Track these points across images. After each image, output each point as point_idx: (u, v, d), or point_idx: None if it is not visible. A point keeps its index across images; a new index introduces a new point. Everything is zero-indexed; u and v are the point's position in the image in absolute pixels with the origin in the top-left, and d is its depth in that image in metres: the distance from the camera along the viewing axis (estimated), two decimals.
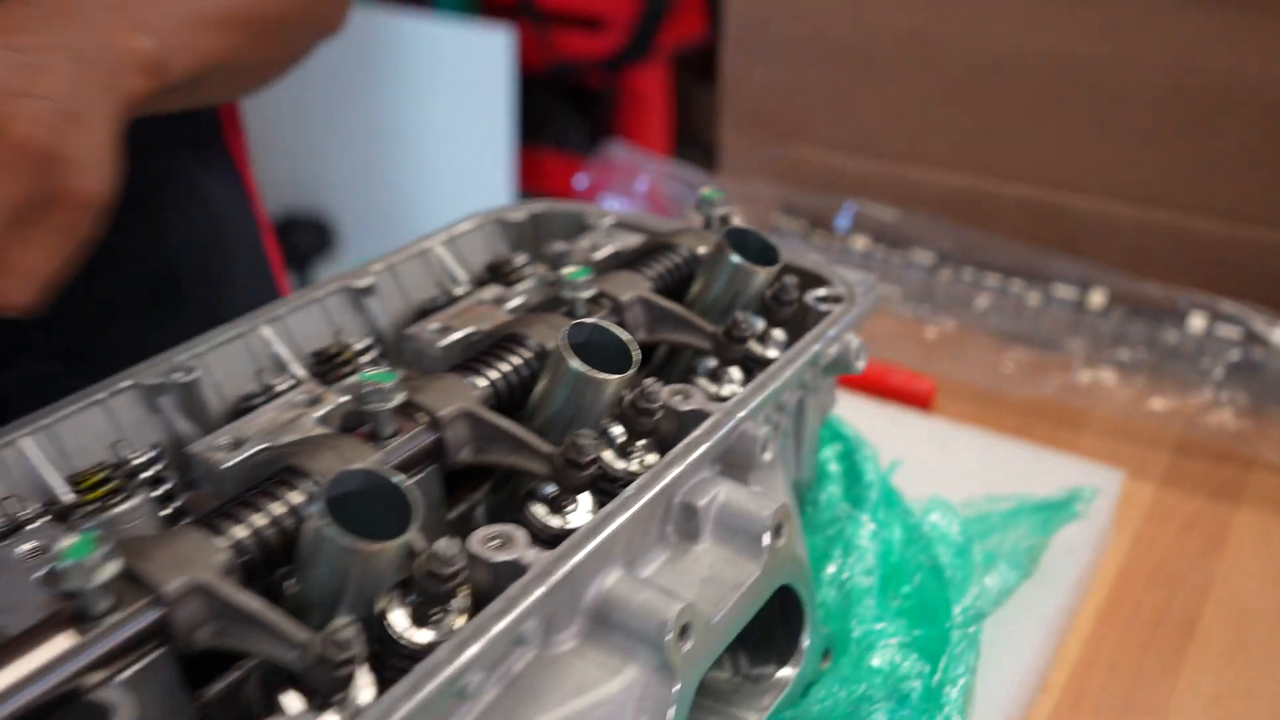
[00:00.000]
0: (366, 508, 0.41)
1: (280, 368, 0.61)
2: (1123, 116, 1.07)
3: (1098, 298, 1.05)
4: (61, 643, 0.38)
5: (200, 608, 0.40)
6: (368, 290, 0.66)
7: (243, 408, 0.59)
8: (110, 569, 0.38)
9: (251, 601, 0.40)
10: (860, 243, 1.16)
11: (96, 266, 0.65)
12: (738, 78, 1.24)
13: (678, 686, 0.47)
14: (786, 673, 0.57)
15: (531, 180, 3.22)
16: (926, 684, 0.56)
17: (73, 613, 0.39)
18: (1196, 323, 1.01)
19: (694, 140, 3.44)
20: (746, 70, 1.23)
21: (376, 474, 0.41)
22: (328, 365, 0.61)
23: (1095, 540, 0.76)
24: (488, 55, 3.01)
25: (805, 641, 0.56)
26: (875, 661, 0.59)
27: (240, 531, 0.43)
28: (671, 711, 0.47)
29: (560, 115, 3.25)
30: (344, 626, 0.39)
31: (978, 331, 1.06)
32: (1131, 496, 0.87)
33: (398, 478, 0.41)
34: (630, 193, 1.24)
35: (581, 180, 1.29)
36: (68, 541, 0.38)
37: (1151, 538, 0.84)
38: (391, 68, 3.00)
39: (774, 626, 0.59)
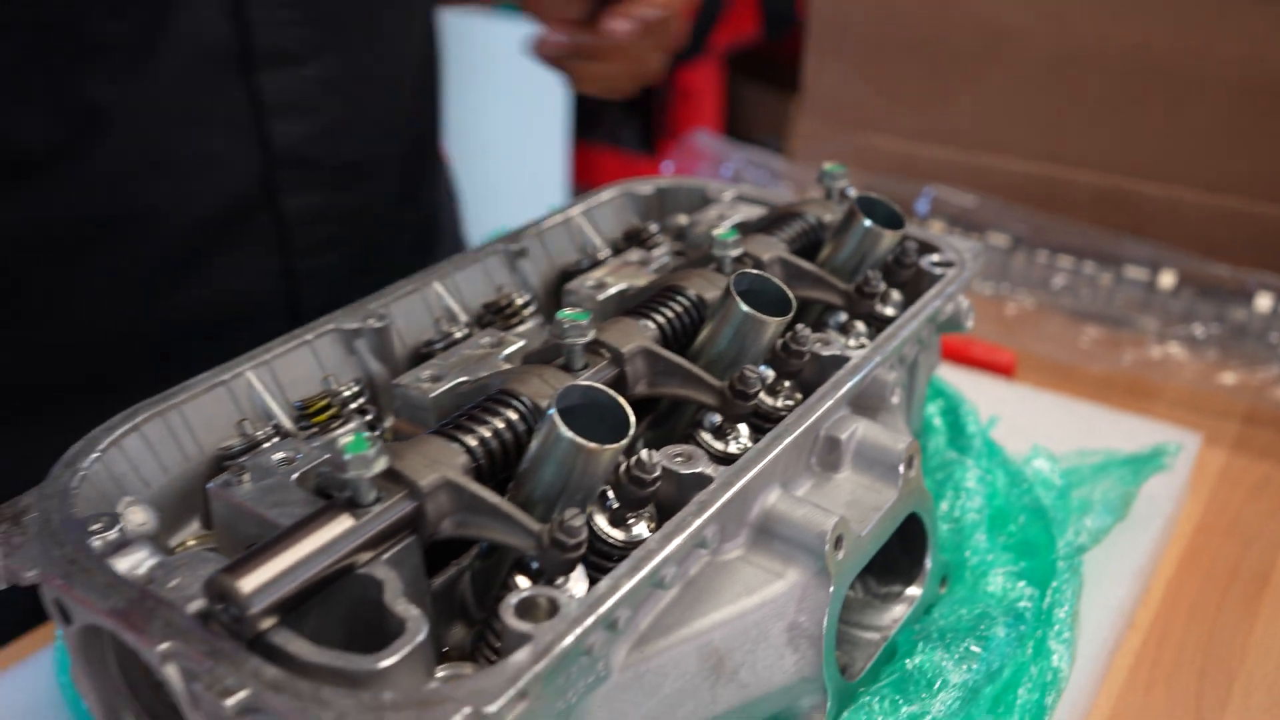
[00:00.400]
0: (586, 420, 0.47)
1: (452, 318, 0.68)
2: (1193, 107, 1.12)
3: (1167, 278, 1.11)
4: (342, 524, 0.45)
5: (448, 500, 0.47)
6: (521, 253, 0.73)
7: (423, 352, 0.66)
8: (381, 463, 0.45)
9: (492, 495, 0.47)
10: (937, 227, 1.22)
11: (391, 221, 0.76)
12: (819, 69, 1.30)
13: (833, 589, 0.54)
14: (913, 591, 0.63)
15: (586, 176, 3.30)
16: (1037, 606, 0.63)
17: (346, 502, 0.46)
18: (1263, 302, 1.06)
19: (743, 138, 3.50)
20: (827, 63, 1.29)
21: (599, 390, 0.48)
22: (496, 315, 0.68)
23: (1177, 494, 0.82)
24: None
25: (929, 564, 0.63)
26: (990, 587, 0.65)
27: (472, 441, 0.50)
28: (827, 611, 0.54)
29: (614, 112, 3.32)
30: (574, 517, 0.45)
31: (1053, 310, 1.12)
32: (1204, 461, 0.93)
33: (614, 395, 0.48)
34: (715, 178, 1.31)
35: (667, 167, 1.36)
36: (346, 439, 0.45)
37: (1225, 498, 0.89)
38: (453, 66, 3.07)
39: (895, 556, 0.65)
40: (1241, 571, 0.81)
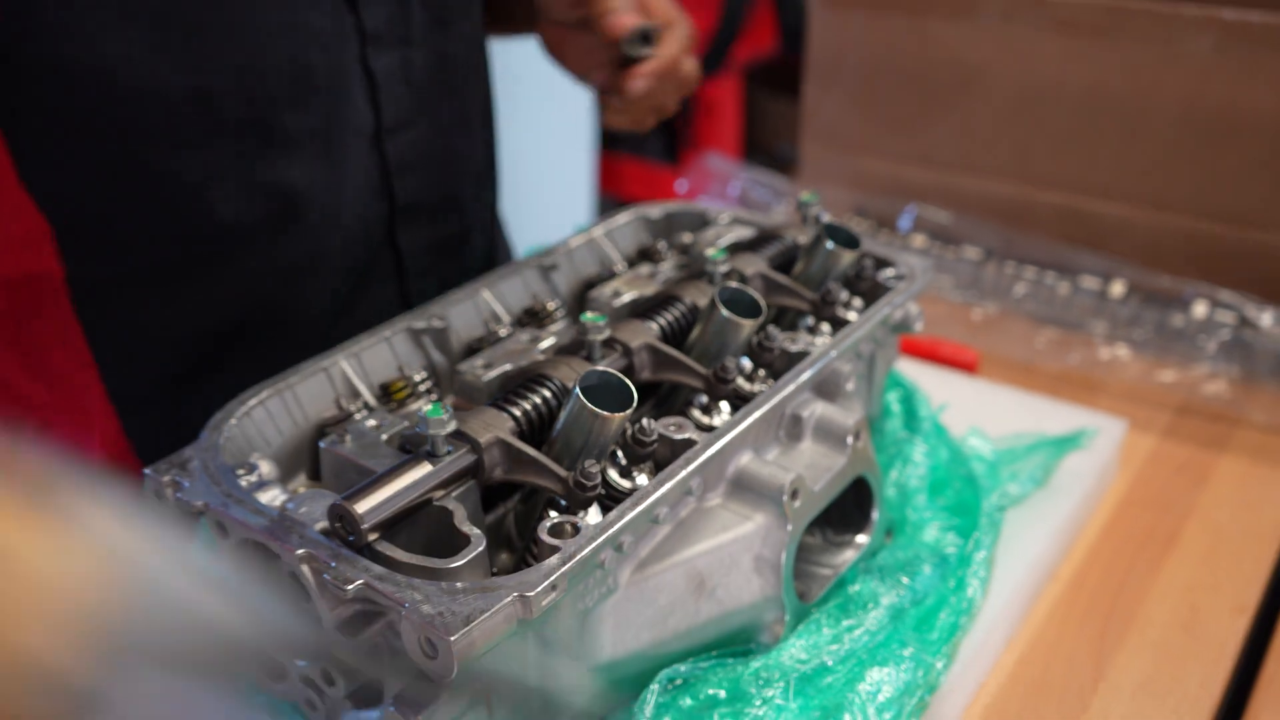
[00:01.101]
0: (602, 394, 0.64)
1: (497, 319, 0.85)
2: (1141, 137, 1.27)
3: (1118, 287, 1.26)
4: (424, 469, 0.62)
5: (499, 454, 0.64)
6: (552, 267, 0.90)
7: (474, 346, 0.83)
8: (452, 425, 0.62)
9: (532, 450, 0.64)
10: (919, 240, 1.38)
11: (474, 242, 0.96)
12: (818, 99, 1.46)
13: (790, 528, 0.70)
14: (861, 539, 0.80)
15: (612, 184, 3.46)
16: (961, 551, 0.79)
17: (426, 453, 0.63)
18: (1199, 309, 1.21)
19: (762, 147, 3.66)
20: (825, 94, 1.45)
21: (612, 373, 0.64)
22: (532, 319, 0.85)
23: (1100, 471, 0.97)
24: None
25: (875, 516, 0.79)
26: (925, 538, 0.81)
27: (517, 411, 0.67)
28: (785, 546, 0.70)
29: None
30: (592, 465, 0.62)
31: (1016, 314, 1.28)
32: (1136, 445, 1.08)
33: (623, 377, 0.64)
34: (724, 196, 1.47)
35: (681, 185, 1.52)
36: (427, 407, 0.62)
37: (1149, 476, 1.05)
38: None
39: (850, 512, 0.82)
40: (1155, 535, 0.97)
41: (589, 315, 0.72)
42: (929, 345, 1.17)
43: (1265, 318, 1.18)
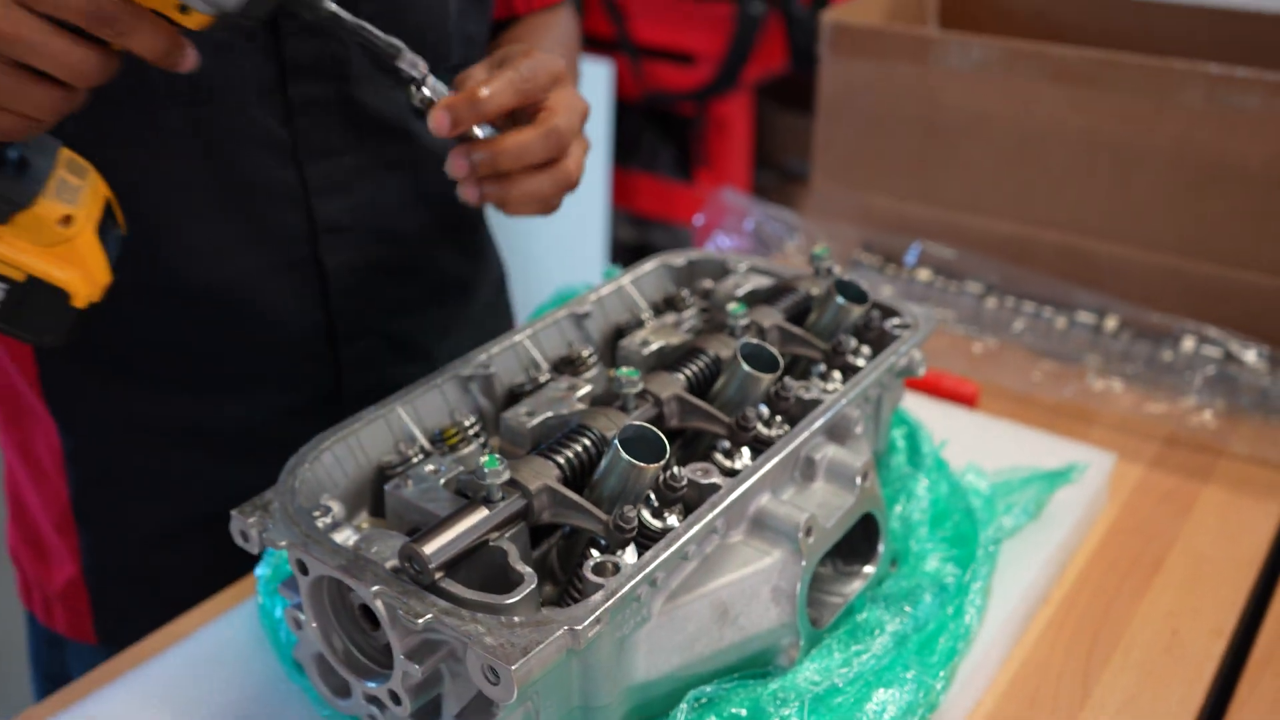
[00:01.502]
0: (638, 446, 0.72)
1: (537, 366, 0.93)
2: (1136, 180, 1.35)
3: (1111, 323, 1.34)
4: (481, 514, 0.70)
5: (547, 499, 0.72)
6: (585, 315, 0.98)
7: (517, 393, 0.91)
8: (506, 474, 0.70)
9: (576, 496, 0.72)
10: (924, 274, 1.45)
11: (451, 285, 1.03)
12: (828, 138, 1.54)
13: (804, 563, 0.78)
14: (868, 569, 0.87)
15: (625, 200, 3.55)
16: (959, 580, 0.87)
17: (482, 499, 0.71)
18: (1187, 344, 1.29)
19: (772, 162, 3.74)
20: (835, 133, 1.53)
21: (647, 428, 0.72)
22: (569, 367, 0.93)
23: (1089, 501, 1.05)
24: (589, 85, 3.31)
25: (881, 549, 0.87)
26: (926, 567, 0.89)
27: (561, 459, 0.75)
28: (800, 579, 0.78)
29: (651, 140, 3.56)
30: (629, 510, 0.70)
31: (1015, 347, 1.36)
32: (1125, 475, 1.16)
33: (657, 431, 0.72)
34: (740, 231, 1.55)
35: (698, 219, 1.60)
36: (484, 458, 0.70)
37: (1136, 505, 1.13)
38: None
39: (858, 543, 0.89)
40: (1140, 561, 1.05)
41: (623, 370, 0.80)
42: (932, 379, 1.25)
43: (1249, 354, 1.25)
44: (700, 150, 3.46)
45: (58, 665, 1.11)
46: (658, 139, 3.55)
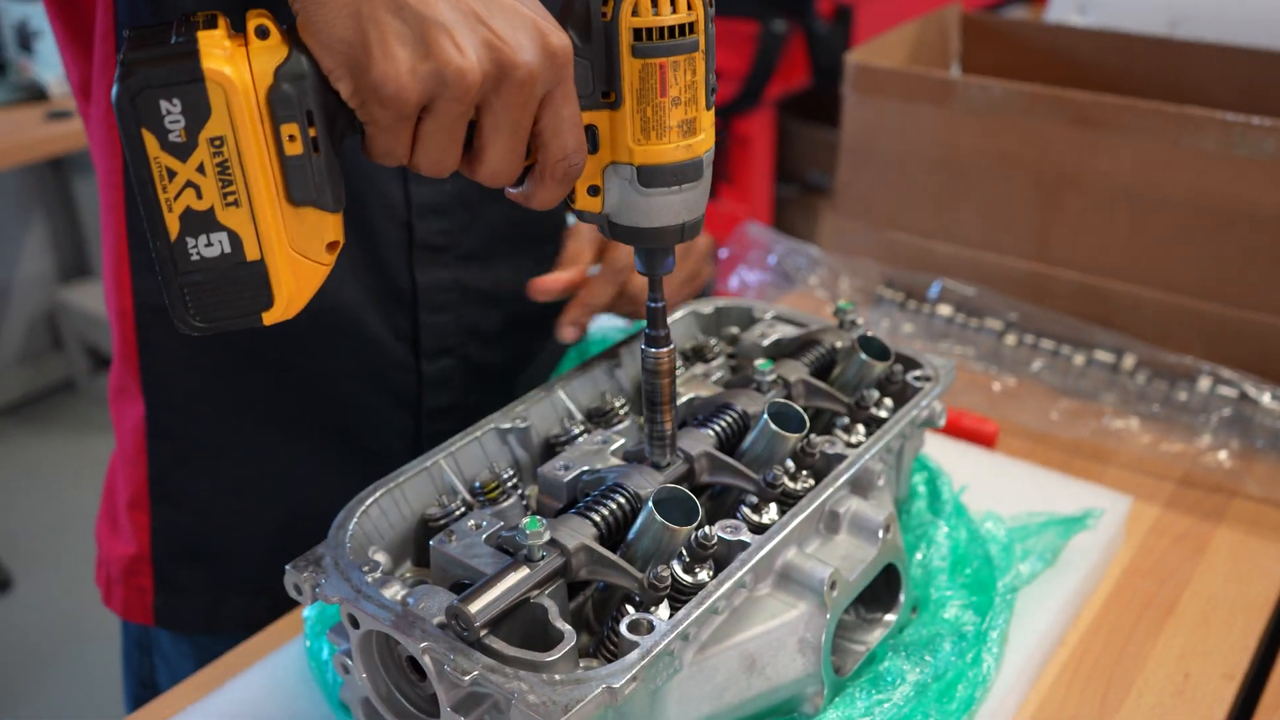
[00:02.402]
0: (670, 508, 0.76)
1: (571, 416, 0.97)
2: (1153, 223, 1.38)
3: (1129, 362, 1.37)
4: (523, 572, 0.74)
5: (585, 557, 0.76)
6: (617, 365, 1.02)
7: (553, 443, 0.94)
8: (546, 535, 0.74)
9: (612, 555, 0.76)
10: (945, 310, 1.49)
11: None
12: (850, 178, 1.57)
13: (829, 616, 0.81)
14: (890, 617, 0.91)
15: None
16: (977, 629, 0.90)
17: (524, 558, 0.74)
18: (1203, 385, 1.32)
19: (794, 175, 3.77)
20: (858, 172, 1.56)
21: (680, 490, 0.76)
22: (602, 418, 0.97)
23: (1105, 545, 1.08)
24: None
25: (902, 598, 0.91)
26: (946, 614, 0.92)
27: (598, 518, 0.79)
28: (825, 630, 0.81)
29: None
30: (663, 570, 0.74)
31: (1034, 385, 1.39)
32: (1140, 515, 1.19)
33: (690, 494, 0.76)
34: (763, 265, 1.59)
35: (724, 252, 1.64)
36: (525, 520, 0.74)
37: (1151, 546, 1.16)
38: None
39: (880, 591, 0.93)
40: (1154, 603, 1.08)
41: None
42: (952, 419, 1.28)
43: (1265, 396, 1.28)
44: (723, 166, 3.49)
45: (139, 634, 1.18)
46: None
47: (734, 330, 1.09)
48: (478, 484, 0.88)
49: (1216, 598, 1.09)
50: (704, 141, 0.72)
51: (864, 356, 0.95)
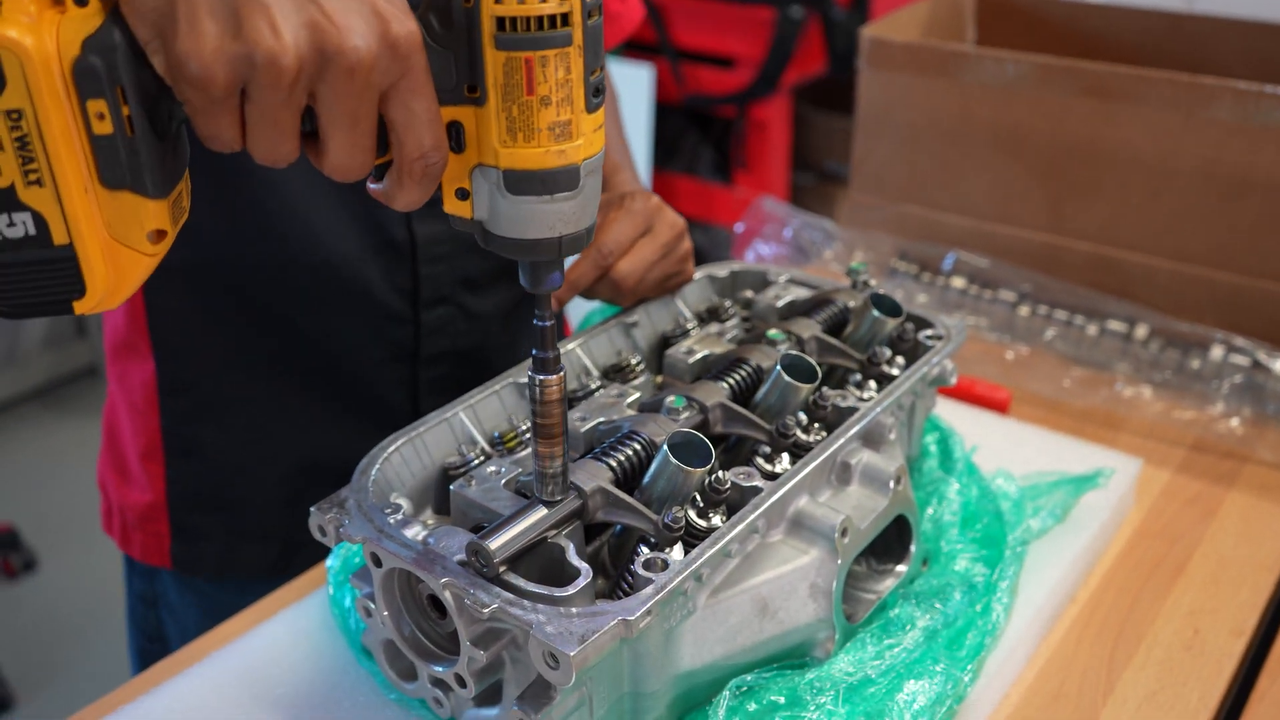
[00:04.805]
0: (685, 451, 0.78)
1: (589, 373, 0.99)
2: (1166, 193, 1.39)
3: (1141, 331, 1.38)
4: (541, 512, 0.75)
5: (601, 500, 0.78)
6: (634, 324, 1.04)
7: (570, 398, 0.96)
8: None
9: (627, 497, 0.77)
10: (958, 282, 1.50)
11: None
12: (866, 151, 1.58)
13: (840, 562, 0.83)
14: (901, 568, 0.92)
15: (665, 200, 3.59)
16: (987, 579, 0.91)
17: (541, 500, 0.76)
18: (1216, 353, 1.32)
19: (811, 164, 3.78)
20: (873, 146, 1.58)
21: (694, 434, 0.78)
22: (619, 374, 0.98)
23: (1115, 504, 1.09)
24: (631, 89, 3.35)
25: (913, 549, 0.92)
26: (956, 567, 0.94)
27: (614, 463, 0.80)
28: (836, 576, 0.83)
29: (691, 143, 3.61)
30: (677, 511, 0.76)
31: (1046, 354, 1.40)
32: (1151, 479, 1.20)
33: (703, 437, 0.78)
34: (779, 238, 1.60)
35: (739, 226, 1.65)
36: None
37: (1161, 509, 1.17)
38: None
39: (892, 543, 0.94)
40: (1165, 563, 1.09)
41: (675, 399, 0.86)
42: (965, 385, 1.29)
43: (1276, 363, 1.29)
44: (739, 153, 3.50)
45: (144, 589, 1.22)
46: (697, 141, 3.60)
47: (749, 293, 1.11)
48: (496, 434, 0.89)
49: (1227, 558, 1.10)
50: (581, 148, 0.64)
51: (876, 313, 0.96)
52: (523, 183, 0.64)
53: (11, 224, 0.57)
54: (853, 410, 0.90)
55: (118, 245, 0.60)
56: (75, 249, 0.59)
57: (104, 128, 0.57)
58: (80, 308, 0.61)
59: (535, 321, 0.71)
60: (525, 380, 0.93)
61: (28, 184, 0.57)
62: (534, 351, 0.72)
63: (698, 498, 0.80)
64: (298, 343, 1.09)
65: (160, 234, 0.61)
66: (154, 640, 1.22)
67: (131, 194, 0.59)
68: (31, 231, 0.58)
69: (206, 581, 1.17)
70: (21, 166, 0.56)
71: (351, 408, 1.13)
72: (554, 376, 0.72)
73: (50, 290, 0.60)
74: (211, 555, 1.14)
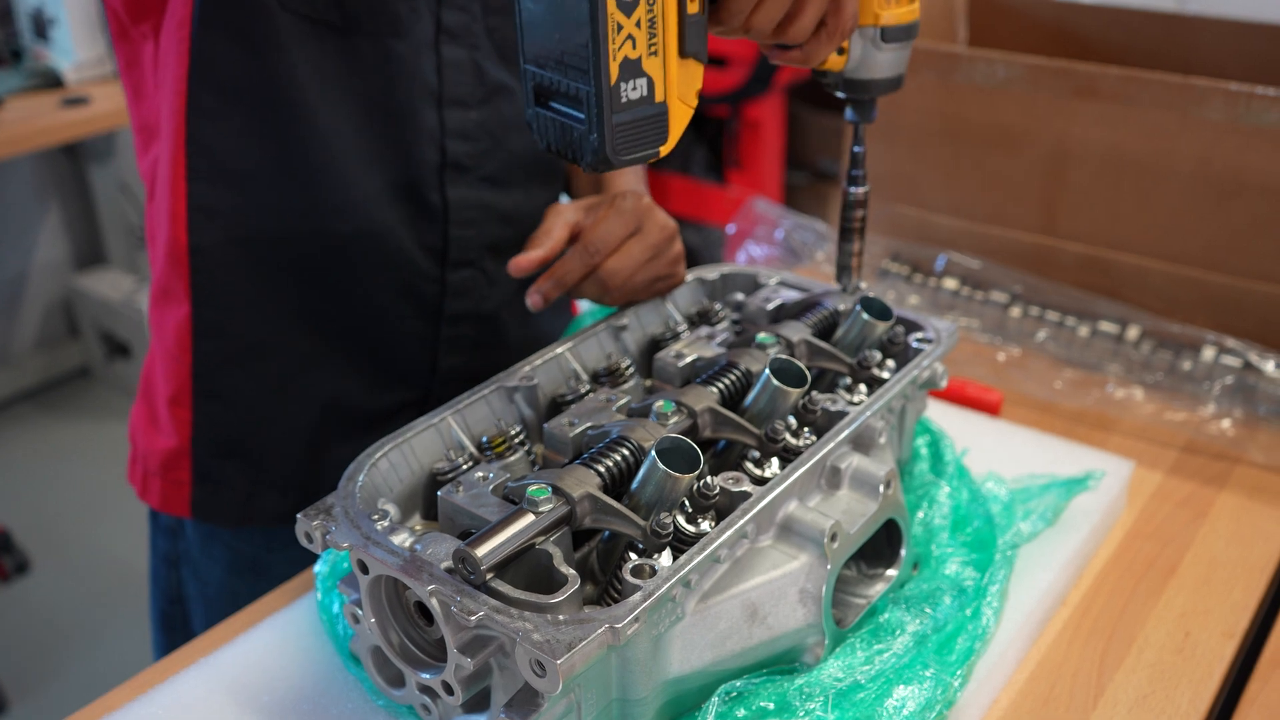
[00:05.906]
0: (673, 457, 0.77)
1: (578, 377, 0.98)
2: (1158, 195, 1.38)
3: (1133, 332, 1.38)
4: (528, 519, 0.75)
5: (589, 506, 0.77)
6: (624, 327, 1.03)
7: (559, 401, 0.96)
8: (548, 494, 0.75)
9: (615, 503, 0.77)
10: (950, 284, 1.50)
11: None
12: None
13: (829, 567, 0.83)
14: (891, 572, 0.92)
15: (658, 201, 3.57)
16: (978, 584, 0.91)
17: (529, 506, 0.76)
18: (1207, 354, 1.32)
19: (804, 163, 3.77)
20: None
21: (682, 439, 0.77)
22: (609, 378, 0.98)
23: (1107, 507, 1.09)
24: None
25: (903, 553, 0.92)
26: (947, 571, 0.94)
27: (602, 468, 0.80)
28: (825, 581, 0.83)
29: (684, 142, 3.60)
30: (665, 517, 0.75)
31: (1038, 356, 1.40)
32: (1143, 480, 1.20)
33: (691, 443, 0.78)
34: (771, 239, 1.60)
35: (730, 227, 1.65)
36: (535, 486, 0.75)
37: (1153, 510, 1.17)
38: None
39: (882, 548, 0.94)
40: (1156, 565, 1.09)
41: (664, 404, 0.85)
42: (957, 387, 1.29)
43: (1268, 364, 1.29)
44: (733, 152, 3.50)
45: (167, 548, 1.25)
46: (691, 141, 3.60)
47: (739, 296, 1.11)
48: (485, 439, 0.89)
49: (1218, 560, 1.10)
50: (919, 8, 0.94)
51: (866, 316, 0.96)
52: (896, 33, 0.93)
53: (635, 88, 0.75)
54: (842, 414, 0.90)
55: (679, 103, 0.78)
56: (668, 105, 0.77)
57: (694, 7, 0.76)
58: (663, 151, 0.79)
59: (854, 148, 1.02)
60: (512, 385, 0.93)
61: (649, 55, 0.74)
62: (850, 170, 1.03)
63: (686, 503, 0.80)
64: (328, 295, 1.12)
65: (699, 94, 0.79)
66: (174, 602, 1.24)
67: (695, 61, 0.77)
68: (645, 93, 0.75)
69: (226, 529, 1.18)
70: (648, 40, 0.74)
71: (374, 361, 1.16)
72: (861, 189, 1.03)
73: (648, 141, 0.77)
74: (232, 503, 1.16)
